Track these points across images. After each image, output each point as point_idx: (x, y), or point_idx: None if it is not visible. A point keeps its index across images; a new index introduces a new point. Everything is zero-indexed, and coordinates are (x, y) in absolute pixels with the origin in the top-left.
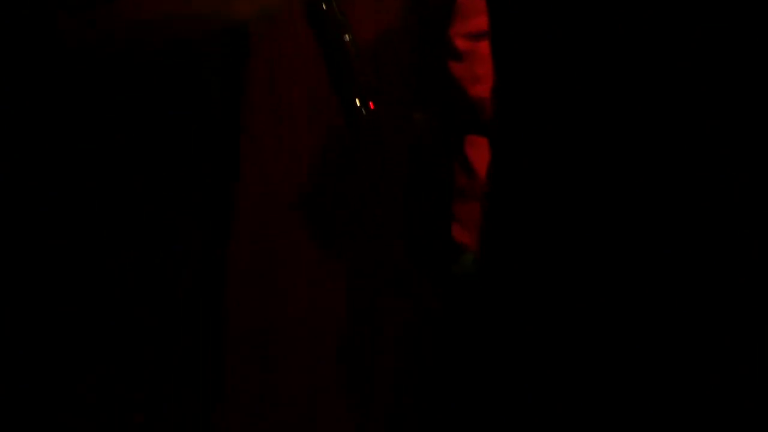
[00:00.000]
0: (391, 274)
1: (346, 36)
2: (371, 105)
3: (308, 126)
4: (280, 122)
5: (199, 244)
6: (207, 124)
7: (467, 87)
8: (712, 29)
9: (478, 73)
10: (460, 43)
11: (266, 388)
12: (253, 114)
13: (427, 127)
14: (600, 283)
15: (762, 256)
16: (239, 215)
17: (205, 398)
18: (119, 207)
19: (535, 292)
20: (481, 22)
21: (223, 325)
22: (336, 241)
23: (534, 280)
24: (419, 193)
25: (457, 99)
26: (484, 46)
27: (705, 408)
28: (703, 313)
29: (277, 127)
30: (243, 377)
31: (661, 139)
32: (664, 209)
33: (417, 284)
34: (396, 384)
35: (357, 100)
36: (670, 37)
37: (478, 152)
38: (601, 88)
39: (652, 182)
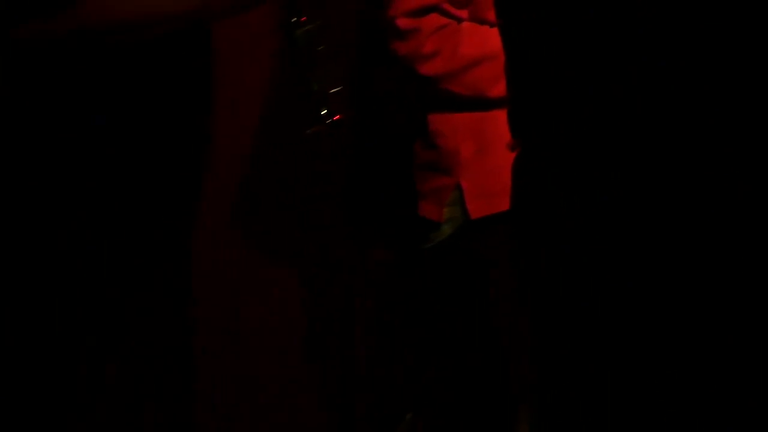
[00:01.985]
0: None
1: (320, 48)
2: (337, 117)
3: (272, 124)
4: (244, 122)
5: (167, 245)
6: (174, 128)
7: (417, 67)
8: (712, 29)
9: (425, 52)
10: (402, 23)
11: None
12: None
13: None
14: (603, 281)
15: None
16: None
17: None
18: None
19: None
20: None
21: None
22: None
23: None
24: (380, 174)
25: (410, 79)
26: (427, 22)
27: (705, 407)
28: (704, 313)
29: (241, 128)
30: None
31: (662, 138)
32: (665, 209)
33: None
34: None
35: (323, 111)
36: (670, 36)
37: (440, 127)
38: (602, 87)
39: (654, 180)
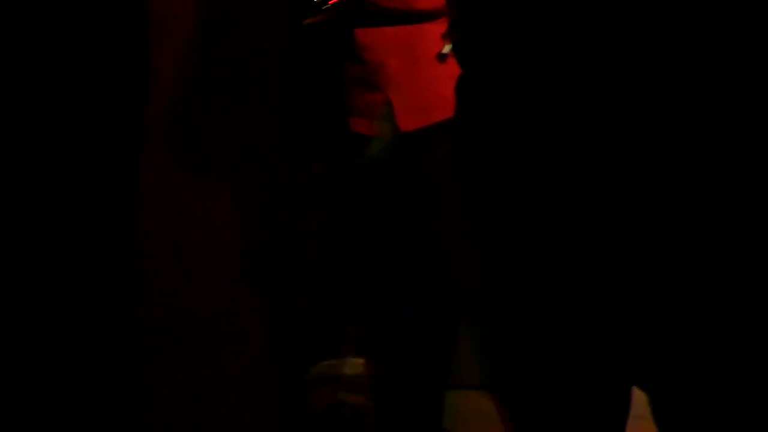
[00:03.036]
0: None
1: None
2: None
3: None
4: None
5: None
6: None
7: None
8: (712, 29)
9: None
10: None
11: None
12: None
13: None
14: (595, 283)
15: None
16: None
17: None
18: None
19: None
20: None
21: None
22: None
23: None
24: (311, 90)
25: None
26: None
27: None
28: (703, 314)
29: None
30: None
31: (660, 138)
32: (662, 209)
33: None
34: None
35: None
36: (669, 35)
37: (367, 41)
38: (596, 88)
39: (650, 182)
